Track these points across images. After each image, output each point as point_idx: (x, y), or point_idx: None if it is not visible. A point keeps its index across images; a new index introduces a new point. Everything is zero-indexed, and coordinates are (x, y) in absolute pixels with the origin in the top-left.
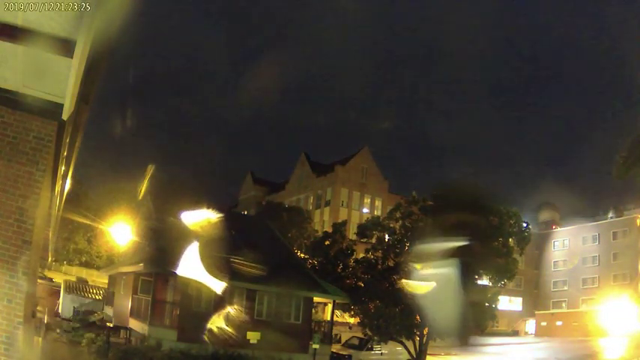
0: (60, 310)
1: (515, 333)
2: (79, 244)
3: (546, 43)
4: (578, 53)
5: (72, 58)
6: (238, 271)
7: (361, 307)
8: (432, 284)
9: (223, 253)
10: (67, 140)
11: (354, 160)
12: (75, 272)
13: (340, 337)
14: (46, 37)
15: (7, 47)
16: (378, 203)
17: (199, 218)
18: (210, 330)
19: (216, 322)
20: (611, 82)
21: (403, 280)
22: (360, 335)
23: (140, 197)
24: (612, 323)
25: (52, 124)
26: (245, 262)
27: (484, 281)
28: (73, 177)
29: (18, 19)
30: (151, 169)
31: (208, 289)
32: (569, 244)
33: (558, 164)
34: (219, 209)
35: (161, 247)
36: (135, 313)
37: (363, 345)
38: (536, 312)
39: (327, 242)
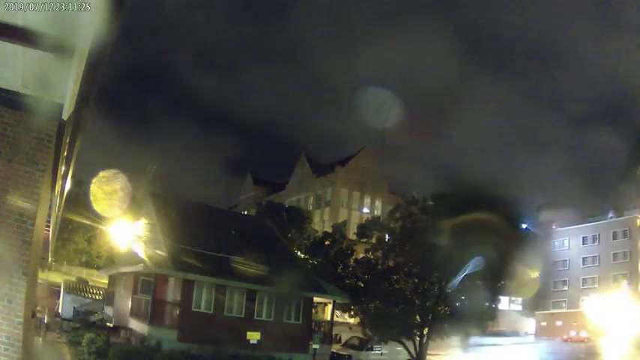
0: (60, 310)
1: (515, 333)
2: (79, 244)
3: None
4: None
5: (72, 58)
6: (238, 271)
7: (361, 307)
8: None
9: (223, 253)
10: (67, 140)
11: (354, 161)
12: (75, 272)
13: (340, 337)
14: (46, 37)
15: (7, 47)
16: (378, 203)
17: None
18: (211, 330)
19: (217, 322)
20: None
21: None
22: (360, 335)
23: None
24: (612, 323)
25: (52, 124)
26: (245, 262)
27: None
28: (73, 177)
29: (18, 19)
30: (151, 170)
31: (208, 289)
32: (569, 244)
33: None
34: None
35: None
36: (135, 313)
37: (363, 345)
38: (536, 312)
39: (327, 242)
